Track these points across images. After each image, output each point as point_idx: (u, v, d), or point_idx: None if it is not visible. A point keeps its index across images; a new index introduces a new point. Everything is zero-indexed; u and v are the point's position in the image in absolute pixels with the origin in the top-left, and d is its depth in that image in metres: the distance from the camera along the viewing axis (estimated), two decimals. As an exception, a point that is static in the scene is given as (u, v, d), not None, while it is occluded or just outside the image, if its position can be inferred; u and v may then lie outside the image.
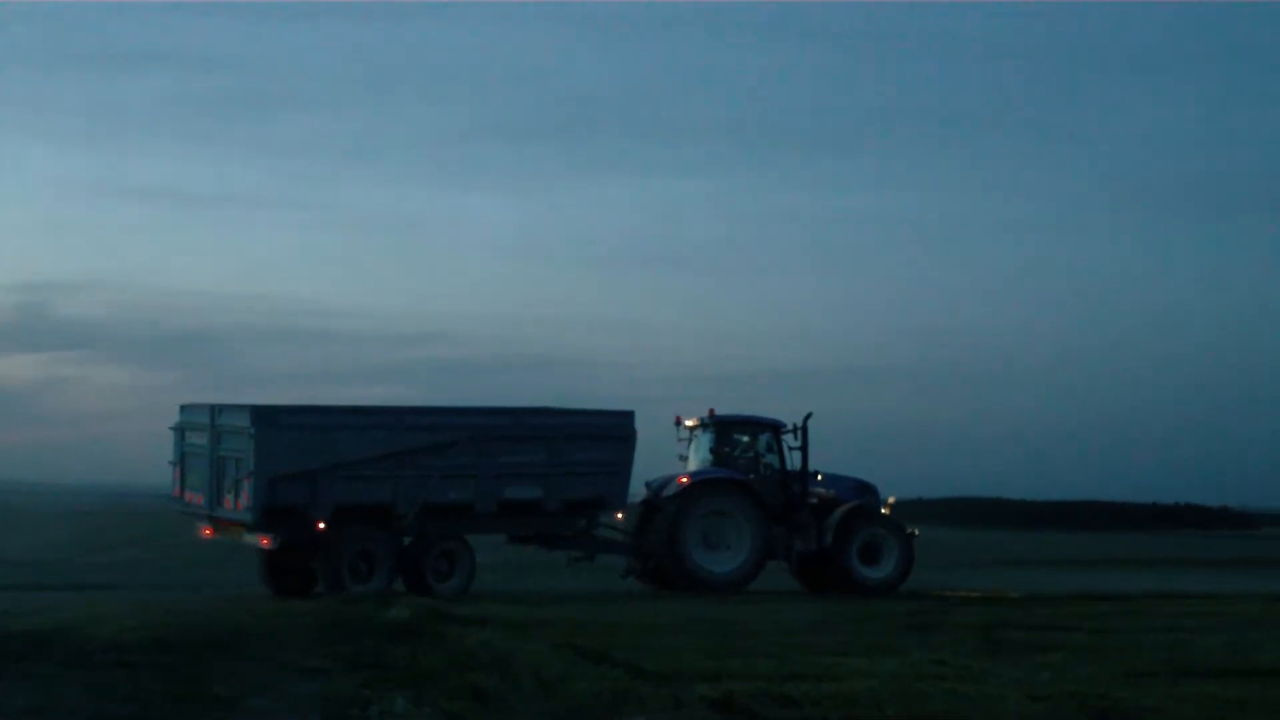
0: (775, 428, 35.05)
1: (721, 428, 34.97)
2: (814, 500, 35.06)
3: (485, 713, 15.26)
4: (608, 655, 20.02)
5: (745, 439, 35.21)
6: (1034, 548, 75.55)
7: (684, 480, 34.06)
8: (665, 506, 33.79)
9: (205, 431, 31.82)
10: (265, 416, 30.61)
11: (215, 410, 31.67)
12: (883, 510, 35.10)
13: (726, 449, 34.96)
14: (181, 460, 32.75)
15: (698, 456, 35.17)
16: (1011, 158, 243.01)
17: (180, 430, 32.86)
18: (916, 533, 35.34)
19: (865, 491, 35.41)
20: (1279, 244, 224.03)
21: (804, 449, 34.59)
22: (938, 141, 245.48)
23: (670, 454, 35.92)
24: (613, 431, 33.16)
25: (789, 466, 34.84)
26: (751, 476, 34.83)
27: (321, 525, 31.00)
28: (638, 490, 35.19)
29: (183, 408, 33.10)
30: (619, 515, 33.94)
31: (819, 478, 35.23)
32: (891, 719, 15.36)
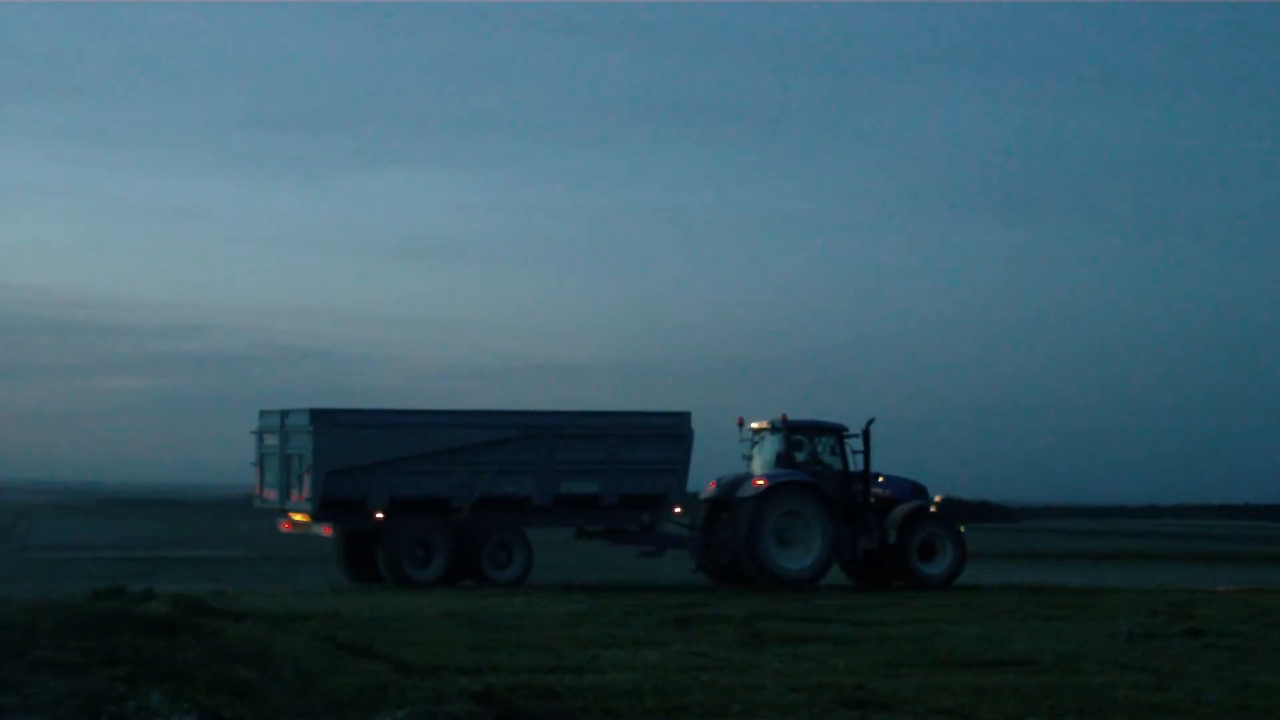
0: (839, 432, 36.79)
1: (791, 432, 36.51)
2: (872, 500, 36.73)
3: (243, 707, 15.10)
4: (370, 649, 19.95)
5: (811, 442, 36.78)
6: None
7: (761, 482, 35.47)
8: (743, 506, 35.24)
9: (277, 433, 34.41)
10: (323, 417, 33.23)
11: (284, 414, 34.24)
12: (931, 509, 36.83)
13: (795, 452, 36.47)
14: (260, 461, 35.31)
15: (763, 458, 36.67)
16: (795, 154, 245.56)
17: (259, 434, 35.35)
18: (964, 529, 37.32)
19: (918, 492, 37.25)
20: (1073, 245, 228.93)
21: (866, 452, 36.44)
22: (720, 138, 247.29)
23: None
24: (670, 430, 35.38)
25: (851, 469, 36.52)
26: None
27: (379, 516, 33.42)
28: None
29: (261, 413, 35.42)
30: (678, 510, 35.68)
31: (880, 479, 37.00)
32: (651, 711, 15.47)
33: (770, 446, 36.56)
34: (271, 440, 34.77)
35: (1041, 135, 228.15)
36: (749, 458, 36.85)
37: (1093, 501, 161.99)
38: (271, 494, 34.85)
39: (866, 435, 36.41)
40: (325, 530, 33.69)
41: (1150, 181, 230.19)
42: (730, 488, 36.04)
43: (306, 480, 33.13)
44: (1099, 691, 16.90)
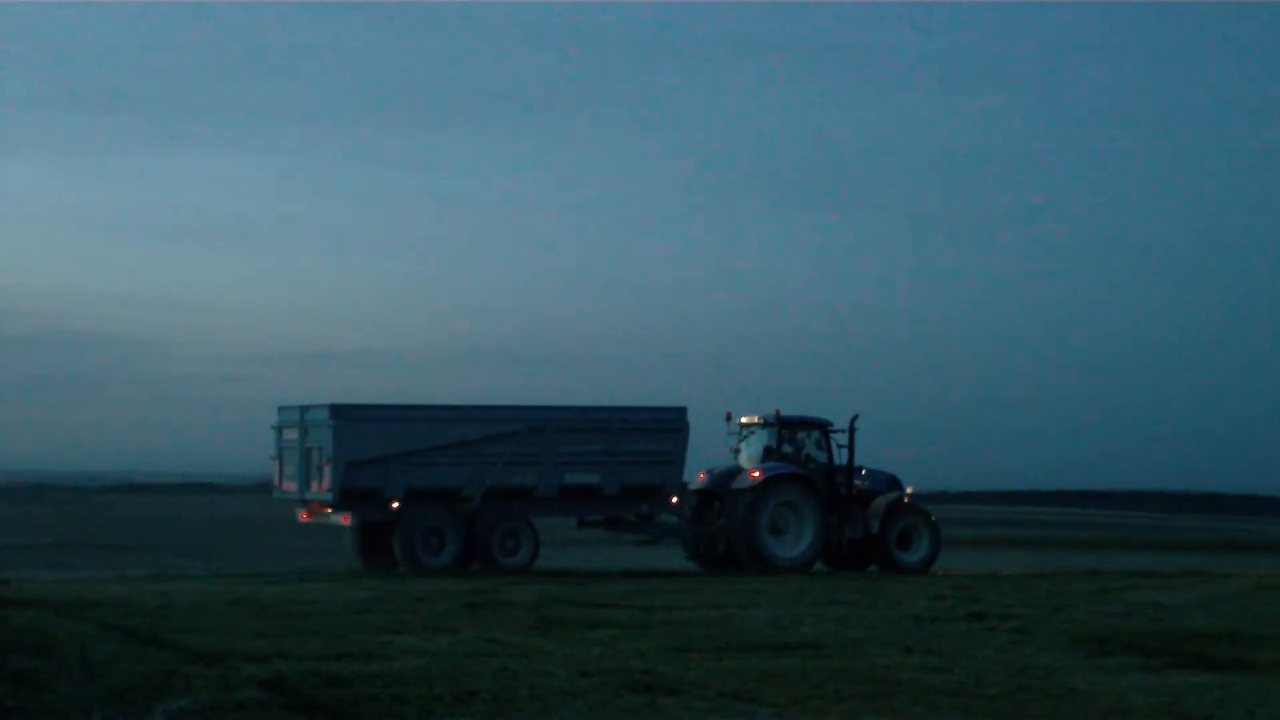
0: (824, 426, 38.47)
1: (784, 426, 38.10)
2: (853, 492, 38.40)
3: (24, 697, 14.88)
4: (157, 636, 19.75)
5: (800, 437, 38.36)
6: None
7: (757, 474, 36.97)
8: (740, 497, 36.83)
9: (296, 428, 36.01)
10: (342, 412, 34.92)
11: (304, 409, 35.93)
12: (904, 500, 38.48)
13: (785, 446, 38.02)
14: (279, 454, 36.73)
15: (750, 451, 38.13)
16: (593, 141, 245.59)
17: (278, 429, 36.83)
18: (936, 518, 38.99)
19: (894, 484, 38.92)
20: (877, 238, 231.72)
21: (850, 447, 38.01)
22: (520, 124, 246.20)
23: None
24: (667, 424, 37.00)
25: (836, 462, 38.07)
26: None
27: (395, 505, 34.96)
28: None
29: (280, 409, 37.02)
30: (674, 500, 37.14)
31: (863, 472, 38.65)
32: (440, 696, 15.47)
33: (759, 440, 38.17)
34: (290, 435, 36.43)
35: (844, 127, 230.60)
36: (736, 451, 38.41)
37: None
38: (291, 485, 36.43)
39: (852, 430, 38.05)
40: (344, 519, 35.44)
41: (961, 176, 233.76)
42: (721, 479, 37.71)
43: (327, 472, 34.87)
44: (883, 674, 17.19)
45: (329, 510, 35.40)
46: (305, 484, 35.65)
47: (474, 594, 27.07)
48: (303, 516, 36.37)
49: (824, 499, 37.39)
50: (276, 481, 37.18)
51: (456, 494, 35.57)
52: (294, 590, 28.30)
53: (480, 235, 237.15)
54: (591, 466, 36.35)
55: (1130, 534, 75.34)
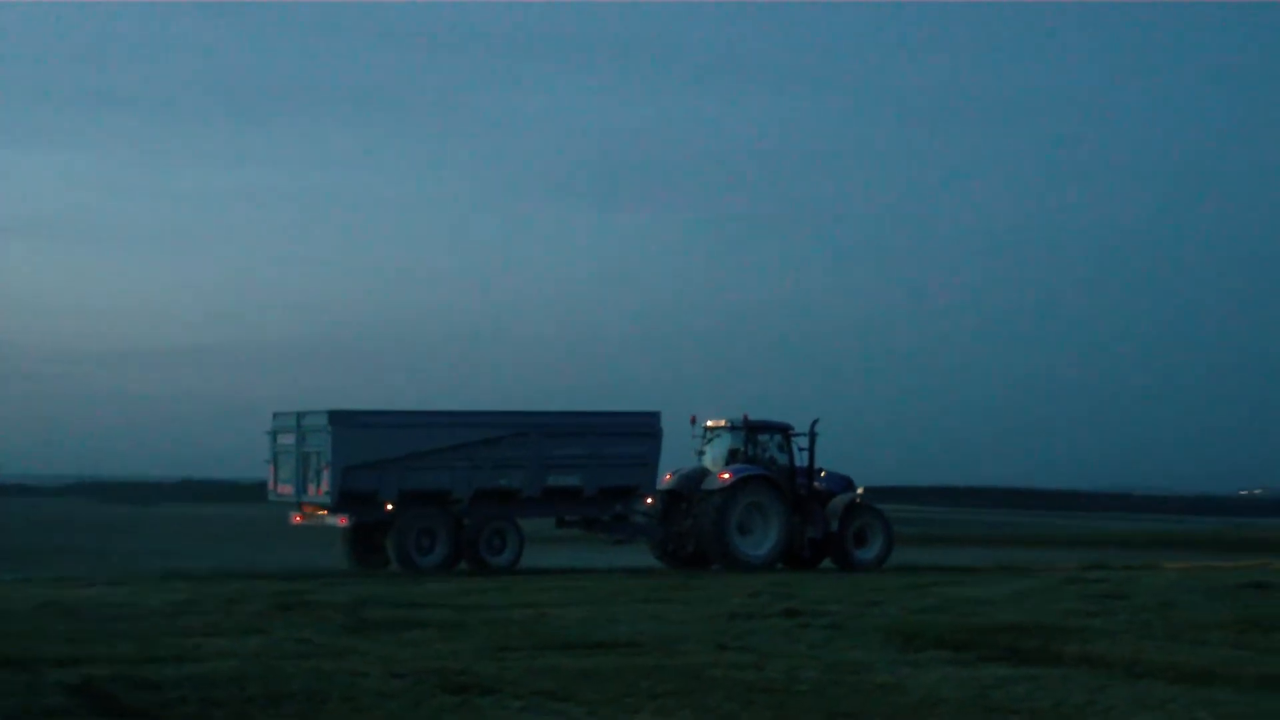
0: (786, 430, 39.99)
1: (750, 430, 39.63)
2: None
3: None
4: (-40, 642, 19.36)
5: (763, 440, 39.84)
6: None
7: (727, 476, 38.52)
8: (710, 498, 38.37)
9: (293, 433, 37.23)
10: (340, 418, 36.15)
11: (300, 415, 37.13)
12: (858, 500, 40.07)
13: (752, 449, 39.53)
14: (274, 458, 37.95)
15: (715, 454, 39.80)
16: (399, 137, 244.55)
17: (273, 434, 38.05)
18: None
19: (848, 485, 40.43)
20: (678, 233, 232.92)
21: (811, 449, 39.69)
22: (328, 119, 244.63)
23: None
24: (643, 428, 38.46)
25: (797, 464, 39.66)
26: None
27: (389, 507, 36.37)
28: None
29: (275, 414, 38.21)
30: (649, 500, 38.67)
31: (822, 474, 40.17)
32: (252, 698, 15.32)
33: (724, 443, 39.77)
34: (286, 439, 37.59)
35: (644, 124, 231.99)
36: (701, 453, 39.94)
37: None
38: (286, 489, 37.62)
39: (813, 434, 39.65)
40: (341, 520, 36.67)
41: (760, 171, 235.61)
42: (687, 480, 39.25)
43: (325, 475, 36.08)
44: (698, 671, 17.27)
45: (324, 512, 36.68)
46: (302, 487, 36.91)
47: (287, 595, 26.82)
48: (296, 519, 37.61)
49: (788, 499, 38.97)
50: (271, 485, 38.39)
51: (447, 496, 36.93)
52: (104, 593, 27.88)
53: (286, 231, 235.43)
54: (572, 469, 37.80)
55: (953, 529, 76.40)
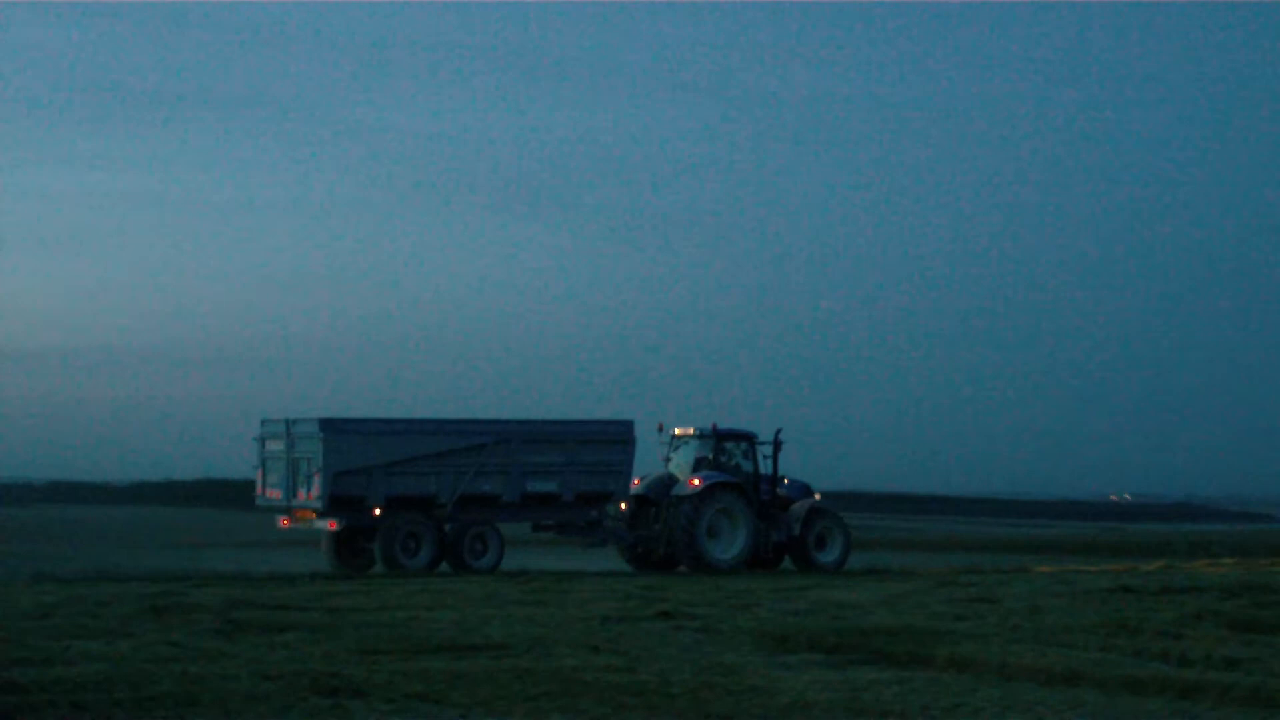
0: (752, 438, 41.26)
1: (719, 438, 40.90)
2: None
3: None
4: None
5: (730, 447, 41.09)
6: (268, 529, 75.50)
7: (697, 482, 39.76)
8: (681, 504, 39.62)
9: (282, 439, 38.39)
10: (331, 425, 37.54)
11: (290, 422, 38.34)
12: (817, 505, 41.50)
13: (719, 456, 40.81)
14: (262, 464, 39.10)
15: (682, 460, 41.06)
16: (271, 141, 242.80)
17: (261, 440, 39.18)
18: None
19: (807, 491, 41.86)
20: (550, 238, 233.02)
21: (775, 457, 41.18)
22: (195, 123, 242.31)
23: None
24: (617, 436, 39.89)
25: (761, 471, 41.08)
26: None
27: (377, 512, 37.68)
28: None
29: (263, 421, 39.32)
30: (623, 506, 40.15)
31: (785, 481, 41.62)
32: (121, 701, 15.19)
33: (691, 450, 41.04)
34: (275, 445, 38.71)
35: (511, 130, 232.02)
36: (668, 460, 41.24)
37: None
38: (275, 493, 38.75)
39: (776, 442, 41.11)
40: (331, 525, 37.76)
41: (628, 177, 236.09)
42: (656, 486, 40.44)
43: (316, 480, 37.42)
44: (570, 674, 17.27)
45: (313, 516, 37.91)
46: (291, 492, 38.14)
47: (158, 597, 26.56)
48: (283, 523, 38.81)
49: (753, 505, 40.30)
50: (259, 490, 39.53)
51: (431, 501, 38.22)
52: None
53: (158, 233, 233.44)
54: (550, 475, 39.23)
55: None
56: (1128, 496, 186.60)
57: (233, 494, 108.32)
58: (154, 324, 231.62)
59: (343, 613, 24.39)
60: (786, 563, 41.15)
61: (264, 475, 39.25)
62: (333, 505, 37.52)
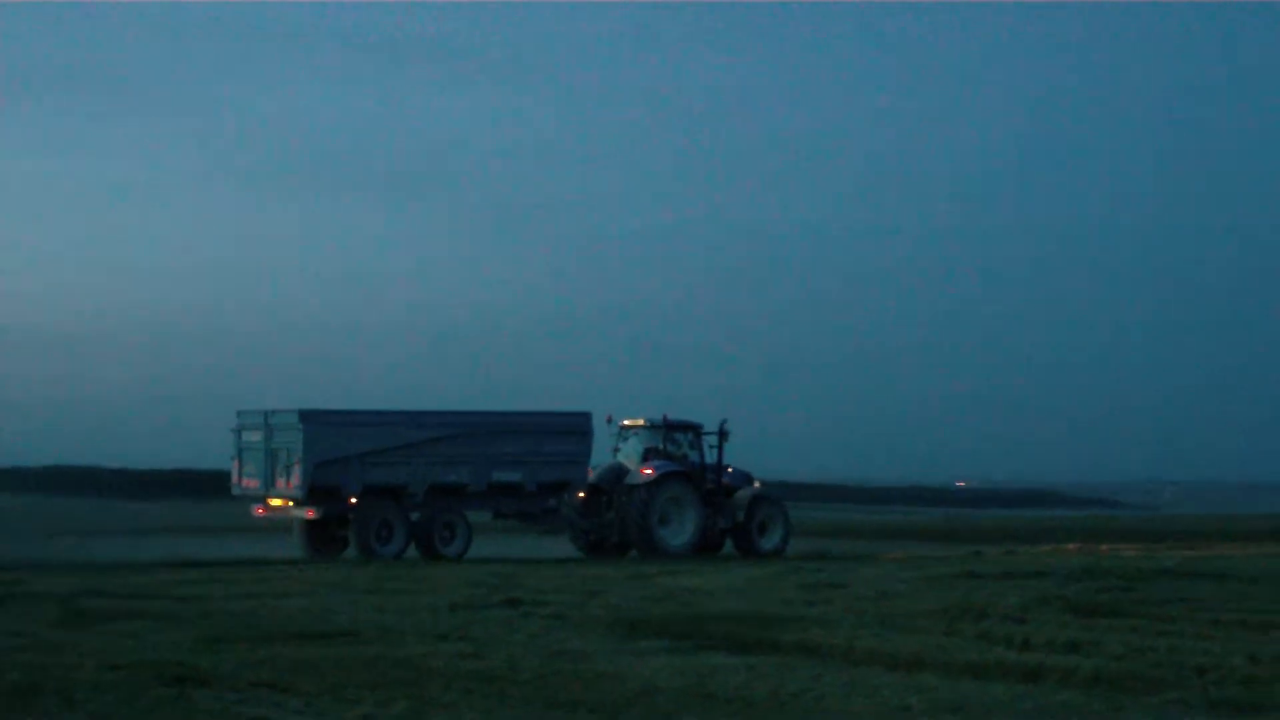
0: (698, 429, 42.78)
1: (668, 429, 42.39)
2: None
3: None
4: None
5: (679, 437, 42.56)
6: (123, 517, 74.85)
7: (649, 471, 41.15)
8: (634, 493, 40.99)
9: (260, 430, 39.51)
10: (311, 417, 38.72)
11: (267, 414, 39.56)
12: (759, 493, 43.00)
13: (669, 447, 42.17)
14: (239, 454, 40.12)
15: (631, 450, 42.27)
16: (129, 123, 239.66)
17: (237, 431, 40.28)
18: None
19: (748, 479, 43.20)
20: (407, 223, 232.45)
21: (720, 447, 42.42)
22: (53, 104, 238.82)
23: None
24: (575, 427, 41.40)
25: (708, 461, 42.45)
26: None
27: (353, 500, 38.84)
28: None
29: (239, 412, 40.53)
30: (580, 495, 41.34)
31: (729, 470, 42.84)
32: (-42, 692, 14.96)
33: (641, 440, 42.34)
34: (252, 436, 39.76)
35: (371, 116, 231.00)
36: (617, 450, 42.41)
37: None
38: (252, 483, 39.82)
39: (722, 432, 42.30)
40: (309, 513, 38.85)
41: (507, 166, 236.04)
42: (607, 476, 41.63)
43: (296, 470, 38.57)
44: (418, 661, 17.23)
45: (291, 504, 39.04)
46: (269, 482, 39.24)
47: (0, 587, 26.23)
48: (258, 511, 40.02)
49: (702, 493, 41.71)
50: (235, 480, 40.58)
51: (403, 490, 39.48)
52: None
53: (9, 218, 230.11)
54: (515, 465, 40.59)
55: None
56: (961, 484, 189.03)
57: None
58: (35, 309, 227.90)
59: (191, 601, 24.20)
60: (728, 547, 42.58)
61: (240, 465, 40.28)
62: (312, 494, 38.64)
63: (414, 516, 39.57)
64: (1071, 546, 44.20)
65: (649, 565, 34.97)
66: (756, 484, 43.19)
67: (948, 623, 20.95)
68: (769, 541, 42.24)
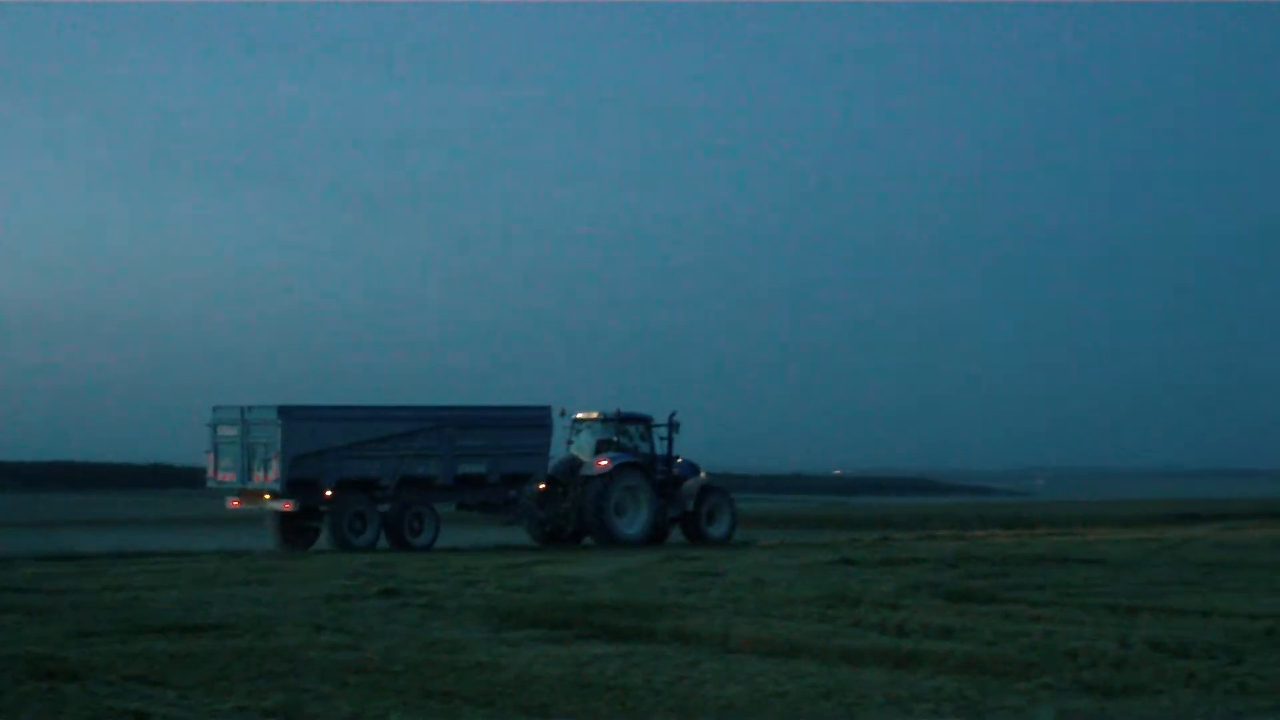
0: (649, 421, 43.76)
1: (621, 421, 43.31)
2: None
3: None
4: None
5: (630, 430, 43.47)
6: (34, 510, 73.88)
7: (605, 463, 41.99)
8: (590, 484, 41.83)
9: (235, 425, 40.12)
10: (289, 412, 39.42)
11: (244, 409, 40.14)
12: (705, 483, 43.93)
13: (621, 439, 43.05)
14: (214, 449, 40.63)
15: (583, 443, 43.13)
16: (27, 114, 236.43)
17: (213, 425, 40.77)
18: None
19: (695, 470, 44.14)
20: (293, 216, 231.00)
21: (670, 439, 43.47)
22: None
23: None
24: (537, 421, 42.35)
25: (658, 452, 43.42)
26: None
27: (328, 494, 39.39)
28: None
29: (215, 408, 41.03)
30: (541, 486, 42.06)
31: (679, 460, 43.84)
32: None
33: (594, 433, 43.23)
34: (228, 431, 40.35)
35: (248, 107, 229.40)
36: (569, 442, 43.25)
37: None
38: (228, 476, 40.37)
39: (672, 424, 43.43)
40: (285, 506, 39.55)
41: (388, 156, 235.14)
42: (562, 468, 42.44)
43: (274, 464, 39.23)
44: (293, 653, 17.14)
45: (267, 497, 39.60)
46: (246, 475, 39.83)
47: None
48: (233, 504, 40.53)
49: (655, 483, 42.57)
50: (211, 473, 41.11)
51: (376, 483, 40.20)
52: None
53: None
54: (480, 458, 41.42)
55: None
56: (839, 472, 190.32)
57: None
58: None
59: (62, 594, 23.98)
60: (675, 534, 43.34)
61: (216, 459, 40.81)
62: (289, 488, 39.32)
63: (383, 508, 40.21)
64: (945, 533, 44.60)
65: (524, 554, 34.94)
66: (703, 474, 44.14)
67: (823, 609, 21.08)
68: (717, 530, 43.17)
